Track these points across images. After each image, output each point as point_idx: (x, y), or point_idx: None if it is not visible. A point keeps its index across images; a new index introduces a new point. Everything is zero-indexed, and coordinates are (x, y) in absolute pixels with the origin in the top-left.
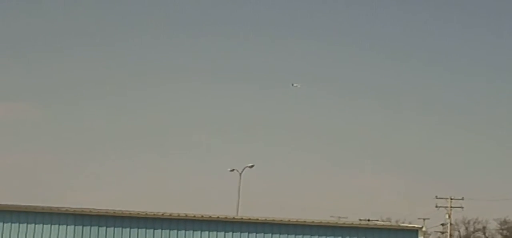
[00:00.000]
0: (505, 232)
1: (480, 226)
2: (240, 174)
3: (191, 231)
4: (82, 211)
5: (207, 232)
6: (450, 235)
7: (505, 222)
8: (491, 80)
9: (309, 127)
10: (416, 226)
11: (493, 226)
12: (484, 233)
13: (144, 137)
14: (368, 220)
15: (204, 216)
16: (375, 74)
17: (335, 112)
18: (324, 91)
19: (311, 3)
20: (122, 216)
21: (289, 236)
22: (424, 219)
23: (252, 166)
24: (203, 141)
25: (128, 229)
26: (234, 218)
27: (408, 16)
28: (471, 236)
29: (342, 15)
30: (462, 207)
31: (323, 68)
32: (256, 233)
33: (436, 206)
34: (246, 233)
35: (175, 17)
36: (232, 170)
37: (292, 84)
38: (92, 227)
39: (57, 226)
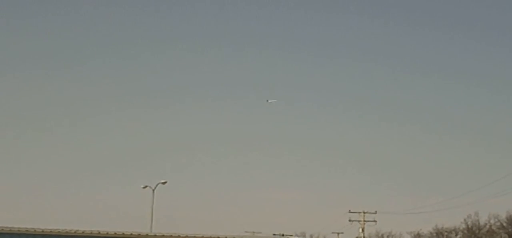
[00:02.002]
0: None
1: None
2: (153, 190)
3: None
4: None
5: None
6: None
7: (418, 235)
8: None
9: (223, 140)
10: None
11: None
12: None
13: (59, 153)
14: (282, 235)
15: (117, 233)
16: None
17: (252, 125)
18: (240, 104)
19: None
20: (34, 234)
21: None
22: (338, 233)
23: (165, 182)
24: (117, 157)
25: None
26: (147, 235)
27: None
28: None
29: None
30: (375, 221)
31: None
32: None
33: (350, 220)
34: None
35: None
36: (145, 187)
37: (267, 100)
38: None
39: None
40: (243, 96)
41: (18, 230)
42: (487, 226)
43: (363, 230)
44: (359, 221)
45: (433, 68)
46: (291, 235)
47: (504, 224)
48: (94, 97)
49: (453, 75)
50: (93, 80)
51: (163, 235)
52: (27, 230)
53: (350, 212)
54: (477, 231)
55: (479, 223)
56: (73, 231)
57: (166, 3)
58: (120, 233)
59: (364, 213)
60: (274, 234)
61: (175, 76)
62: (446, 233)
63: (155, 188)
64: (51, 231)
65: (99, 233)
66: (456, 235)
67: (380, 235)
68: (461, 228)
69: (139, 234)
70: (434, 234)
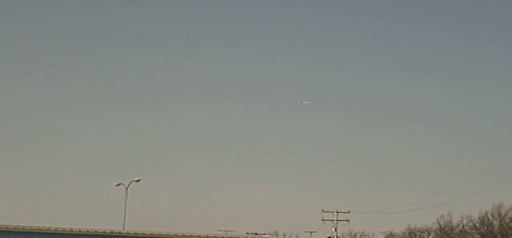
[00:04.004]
0: None
1: None
2: (127, 188)
3: None
4: None
5: None
6: None
7: (391, 234)
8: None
9: (198, 139)
10: None
11: None
12: None
13: (35, 148)
14: (256, 234)
15: (90, 230)
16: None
17: (227, 123)
18: (215, 103)
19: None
20: (7, 231)
21: None
22: (311, 232)
23: (138, 180)
24: (91, 154)
25: None
26: (120, 232)
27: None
28: None
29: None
30: (348, 220)
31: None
32: None
33: (323, 219)
34: None
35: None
36: (119, 184)
37: (302, 102)
38: None
39: None
40: (218, 96)
41: None
42: (460, 227)
43: (336, 229)
44: (332, 220)
45: (420, 67)
46: (264, 234)
47: (477, 225)
48: (72, 97)
49: (436, 73)
50: (67, 81)
51: (136, 233)
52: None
53: (323, 211)
54: (449, 232)
55: (451, 223)
56: (46, 228)
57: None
58: (93, 230)
59: (337, 212)
60: (247, 233)
61: (149, 76)
62: (418, 233)
63: (128, 186)
64: (23, 229)
65: (72, 230)
66: (429, 235)
67: (353, 234)
68: (433, 228)
69: (112, 232)
70: (407, 234)
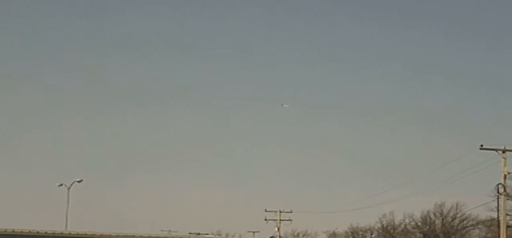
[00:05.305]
0: None
1: None
2: (69, 188)
3: None
4: None
5: None
6: None
7: (334, 234)
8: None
9: (141, 139)
10: None
11: None
12: None
13: None
14: (198, 234)
15: (32, 231)
16: None
17: (171, 123)
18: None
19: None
20: None
21: None
22: (254, 232)
23: (80, 181)
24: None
25: None
26: (62, 233)
27: None
28: None
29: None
30: (291, 220)
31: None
32: None
33: (265, 219)
34: None
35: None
36: (61, 185)
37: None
38: None
39: None
40: (167, 97)
41: None
42: (402, 226)
43: (279, 229)
44: (275, 220)
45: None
46: (207, 234)
47: (419, 224)
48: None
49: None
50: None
51: (78, 233)
52: None
53: (266, 211)
54: (392, 231)
55: (394, 222)
56: None
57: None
58: (35, 231)
59: (280, 212)
60: (190, 233)
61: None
62: (361, 232)
63: (70, 186)
64: None
65: (14, 231)
66: (371, 234)
67: (296, 234)
68: (376, 227)
69: (54, 233)
70: (350, 233)
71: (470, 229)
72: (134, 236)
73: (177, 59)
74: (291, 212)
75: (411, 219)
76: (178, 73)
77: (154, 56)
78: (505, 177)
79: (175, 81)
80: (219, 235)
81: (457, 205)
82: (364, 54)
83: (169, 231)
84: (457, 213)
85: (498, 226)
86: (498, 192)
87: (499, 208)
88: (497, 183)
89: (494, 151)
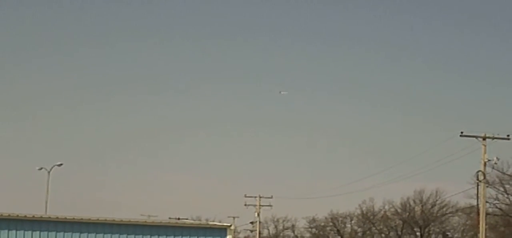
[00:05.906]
0: (313, 230)
1: (289, 224)
2: (49, 172)
3: None
4: None
5: (14, 231)
6: (260, 233)
7: (313, 220)
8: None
9: (125, 125)
10: (225, 224)
11: (302, 224)
12: (293, 231)
13: None
14: (178, 219)
15: (11, 214)
16: None
17: (152, 109)
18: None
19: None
20: None
21: (97, 235)
22: (233, 218)
23: (61, 164)
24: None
25: None
26: (41, 216)
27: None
28: (281, 234)
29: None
30: (271, 205)
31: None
32: (64, 232)
33: (245, 205)
34: (54, 232)
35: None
36: (41, 169)
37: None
38: None
39: None
40: (147, 83)
41: None
42: (382, 212)
43: (258, 215)
44: (254, 205)
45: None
46: (187, 219)
47: (398, 210)
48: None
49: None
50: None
51: (57, 217)
52: None
53: (246, 196)
54: (371, 217)
55: (373, 209)
56: None
57: None
58: (15, 215)
59: (260, 197)
60: (169, 218)
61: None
62: (341, 219)
63: (50, 170)
64: None
65: None
66: (351, 220)
67: (276, 219)
68: (356, 213)
69: (33, 216)
70: (329, 219)
71: (450, 216)
72: (113, 220)
73: (161, 46)
74: (271, 197)
75: (390, 206)
76: (159, 60)
77: (135, 42)
78: (485, 164)
79: (156, 68)
80: (199, 220)
81: (436, 192)
82: (347, 38)
83: (149, 216)
84: (436, 200)
85: (478, 214)
86: (478, 179)
87: (479, 195)
88: (477, 170)
89: (474, 138)
